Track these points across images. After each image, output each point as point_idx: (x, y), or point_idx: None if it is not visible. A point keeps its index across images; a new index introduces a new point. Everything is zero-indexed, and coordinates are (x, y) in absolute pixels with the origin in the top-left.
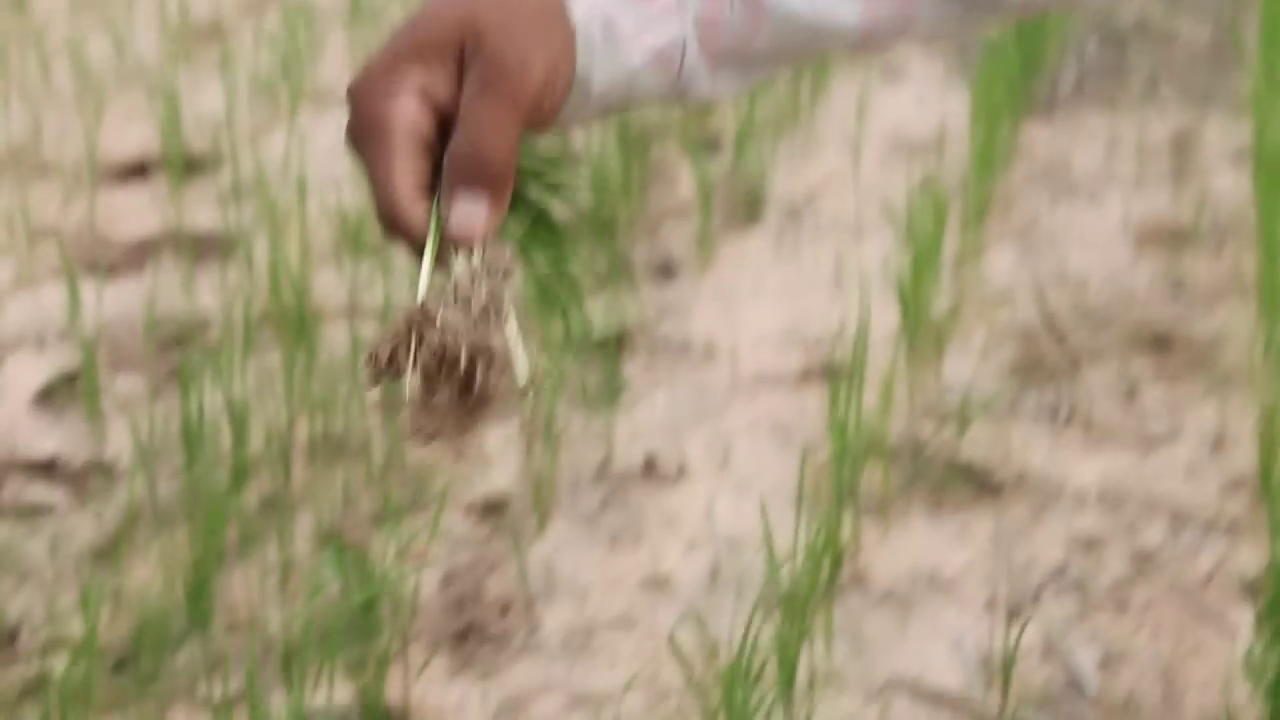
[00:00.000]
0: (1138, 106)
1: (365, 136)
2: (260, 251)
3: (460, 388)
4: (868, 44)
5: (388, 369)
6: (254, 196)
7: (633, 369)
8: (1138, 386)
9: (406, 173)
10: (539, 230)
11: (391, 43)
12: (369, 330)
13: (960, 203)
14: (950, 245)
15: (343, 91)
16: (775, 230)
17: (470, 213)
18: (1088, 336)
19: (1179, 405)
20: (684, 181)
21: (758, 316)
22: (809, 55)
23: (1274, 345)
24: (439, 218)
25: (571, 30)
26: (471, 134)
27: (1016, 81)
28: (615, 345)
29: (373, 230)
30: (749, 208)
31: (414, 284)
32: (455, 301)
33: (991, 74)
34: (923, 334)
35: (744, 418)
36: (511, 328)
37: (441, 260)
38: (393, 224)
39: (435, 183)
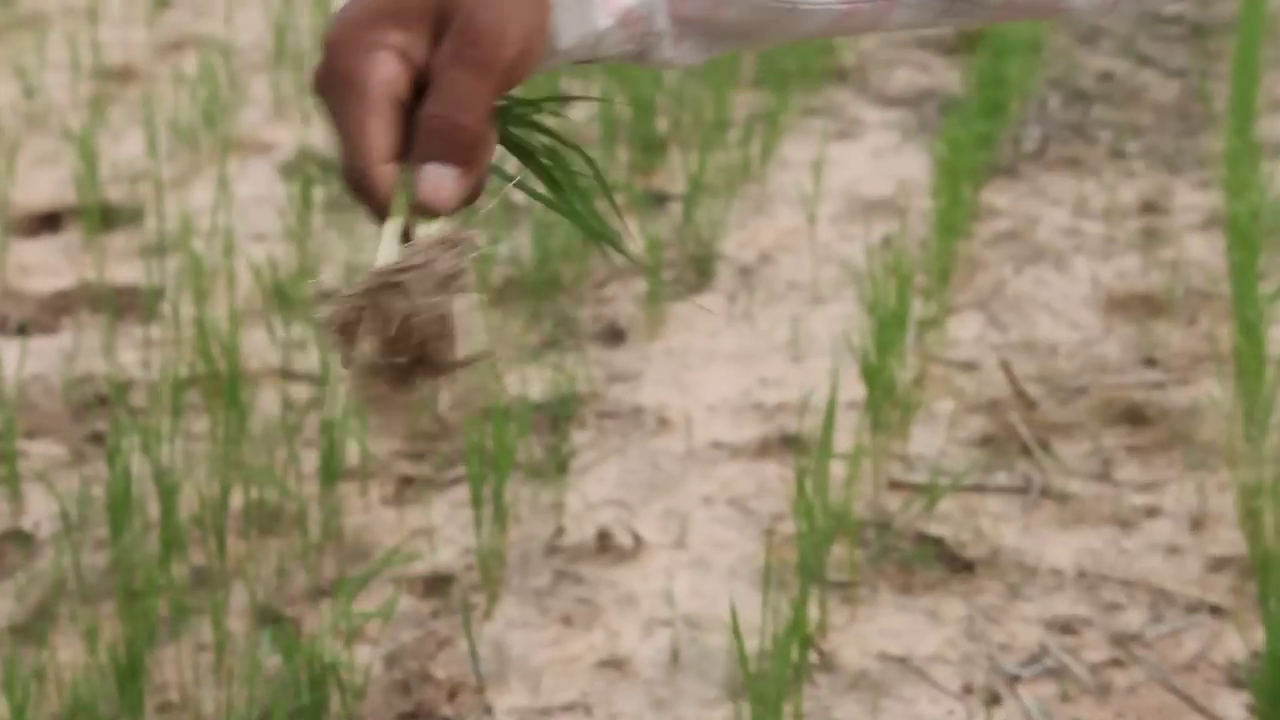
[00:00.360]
0: (1104, 167)
1: (338, 90)
2: (185, 309)
3: (412, 355)
4: (842, 28)
5: (344, 333)
6: (177, 250)
7: (582, 438)
8: (1112, 461)
9: (379, 133)
10: (547, 169)
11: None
12: (301, 393)
13: (922, 267)
14: (913, 311)
15: (268, 138)
16: (727, 293)
17: (439, 181)
18: (1058, 408)
19: (1156, 481)
20: (632, 241)
21: (711, 383)
22: (778, 34)
23: (1253, 419)
24: (407, 184)
25: None
26: (445, 101)
27: (978, 139)
28: (563, 413)
29: (302, 285)
30: (700, 269)
31: (376, 248)
32: (415, 269)
33: (952, 131)
34: (887, 404)
35: (701, 490)
36: (467, 301)
37: (407, 227)
38: (360, 185)
39: (406, 147)
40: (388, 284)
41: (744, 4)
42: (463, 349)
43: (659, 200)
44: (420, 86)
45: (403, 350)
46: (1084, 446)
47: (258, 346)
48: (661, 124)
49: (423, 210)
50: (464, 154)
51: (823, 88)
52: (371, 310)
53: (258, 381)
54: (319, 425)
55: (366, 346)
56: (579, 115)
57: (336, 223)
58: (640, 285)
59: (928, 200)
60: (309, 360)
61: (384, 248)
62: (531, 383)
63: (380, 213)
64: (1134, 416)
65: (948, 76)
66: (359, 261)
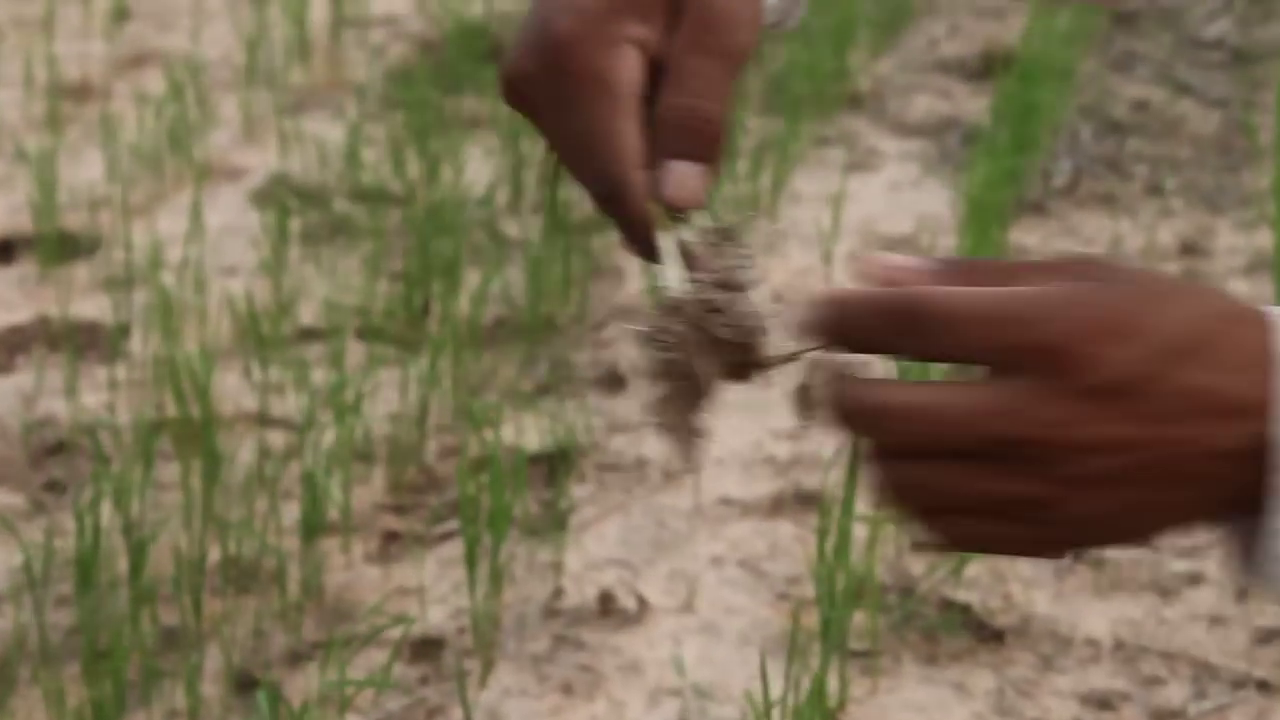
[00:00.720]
0: (1140, 205)
1: (578, 91)
2: (153, 347)
3: (736, 359)
4: None
5: (666, 351)
6: (142, 284)
7: (582, 492)
8: None
9: (633, 135)
10: None
11: None
12: (279, 440)
13: None
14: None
15: (240, 163)
16: None
17: (687, 178)
18: None
19: (1199, 546)
20: (632, 277)
21: (721, 435)
22: None
23: None
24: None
25: None
26: (687, 93)
27: (1005, 174)
28: (562, 464)
29: (279, 323)
30: None
31: (657, 267)
32: (705, 278)
33: (978, 165)
34: None
35: (710, 550)
36: (760, 294)
37: (663, 230)
38: (616, 196)
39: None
40: (696, 301)
41: None
42: (778, 343)
43: None
44: (655, 77)
45: (727, 358)
46: None
47: (231, 389)
48: None
49: (675, 207)
50: (710, 146)
51: (836, 115)
52: (689, 331)
53: (233, 427)
54: (299, 475)
55: (690, 365)
56: None
57: (314, 256)
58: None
59: (951, 239)
60: (287, 405)
61: (670, 265)
62: (527, 431)
63: (636, 224)
64: None
65: (971, 104)
66: (338, 300)
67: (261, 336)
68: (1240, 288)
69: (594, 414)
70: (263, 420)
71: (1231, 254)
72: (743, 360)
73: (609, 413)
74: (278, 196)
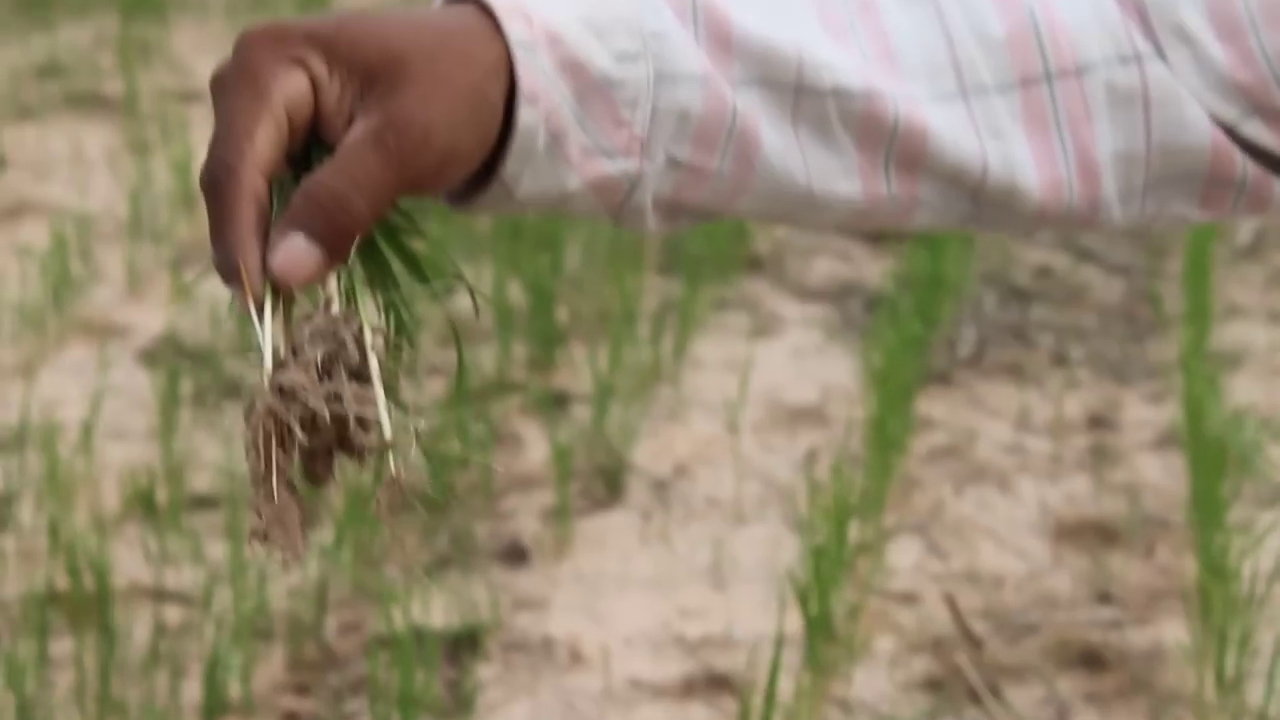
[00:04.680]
0: (1046, 375)
1: (238, 84)
2: (42, 517)
3: (325, 446)
4: (866, 220)
5: (257, 449)
6: (26, 448)
7: (488, 672)
8: (1069, 710)
9: (266, 139)
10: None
11: (313, 20)
12: (175, 615)
13: (855, 486)
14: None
15: (125, 320)
16: (641, 509)
17: (302, 256)
18: (1008, 648)
19: None
20: (532, 447)
21: (628, 612)
22: (792, 222)
23: (1221, 665)
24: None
25: (498, 126)
26: (344, 176)
27: (910, 342)
28: (465, 643)
29: (172, 491)
30: (609, 481)
31: (257, 338)
32: (311, 359)
33: (882, 332)
34: (824, 642)
35: None
36: (372, 382)
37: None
38: (223, 178)
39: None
40: (288, 385)
41: (762, 194)
42: (376, 432)
43: (561, 402)
44: (314, 130)
45: (317, 448)
46: (1037, 692)
47: (124, 559)
48: (561, 313)
49: (276, 279)
50: (339, 239)
51: (736, 277)
52: (278, 419)
53: (127, 601)
54: (196, 652)
55: (279, 457)
56: (468, 302)
57: (206, 420)
58: (544, 498)
59: (857, 408)
60: (182, 577)
61: (267, 339)
62: (429, 608)
63: (229, 215)
64: (1090, 659)
65: (871, 268)
66: (233, 467)
67: (153, 505)
68: (1151, 463)
69: (497, 589)
70: (158, 594)
71: (1140, 428)
72: (337, 448)
73: (512, 588)
74: (167, 357)
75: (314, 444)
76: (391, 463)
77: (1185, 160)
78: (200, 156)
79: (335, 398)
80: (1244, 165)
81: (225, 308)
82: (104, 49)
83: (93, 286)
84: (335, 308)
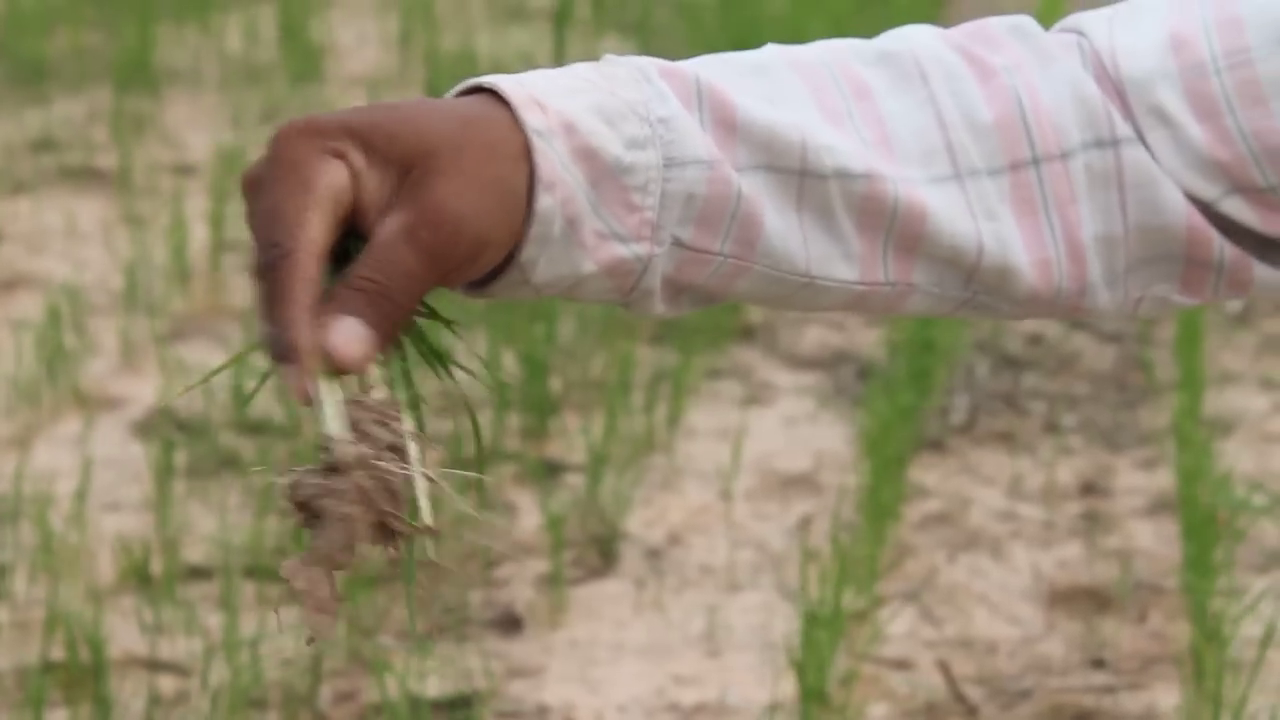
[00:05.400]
0: (1039, 442)
1: (281, 178)
2: (37, 589)
3: (371, 524)
4: (857, 306)
5: (305, 510)
6: (19, 521)
7: None
8: None
9: (318, 226)
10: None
11: (346, 113)
12: (170, 686)
13: (848, 553)
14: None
15: (119, 393)
16: (635, 578)
17: (356, 337)
18: (1001, 713)
19: None
20: (525, 515)
21: (622, 681)
22: (790, 305)
23: None
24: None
25: (522, 213)
26: (383, 272)
27: (903, 411)
28: (460, 712)
29: (166, 562)
30: (603, 550)
31: (319, 416)
32: (368, 438)
33: (874, 400)
34: (817, 708)
35: None
36: (416, 464)
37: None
38: (279, 266)
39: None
40: (348, 459)
41: (760, 278)
42: (422, 515)
43: (555, 471)
44: (352, 224)
45: (363, 523)
46: None
47: (118, 630)
48: (555, 383)
49: (331, 359)
50: (385, 319)
51: (728, 346)
52: (333, 489)
53: (122, 672)
54: None
55: (328, 529)
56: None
57: (200, 491)
58: (537, 567)
59: (849, 476)
60: (176, 648)
61: (331, 414)
62: (423, 676)
63: (284, 295)
64: None
65: (863, 336)
66: (227, 538)
67: (148, 576)
68: (1144, 529)
69: (491, 658)
70: (153, 665)
71: (1132, 494)
72: (389, 525)
73: (506, 656)
74: (160, 429)
75: (370, 516)
76: (429, 546)
77: (1162, 241)
78: (194, 230)
79: (387, 479)
80: (1221, 247)
81: (219, 381)
82: (98, 123)
83: (87, 359)
84: (379, 393)
